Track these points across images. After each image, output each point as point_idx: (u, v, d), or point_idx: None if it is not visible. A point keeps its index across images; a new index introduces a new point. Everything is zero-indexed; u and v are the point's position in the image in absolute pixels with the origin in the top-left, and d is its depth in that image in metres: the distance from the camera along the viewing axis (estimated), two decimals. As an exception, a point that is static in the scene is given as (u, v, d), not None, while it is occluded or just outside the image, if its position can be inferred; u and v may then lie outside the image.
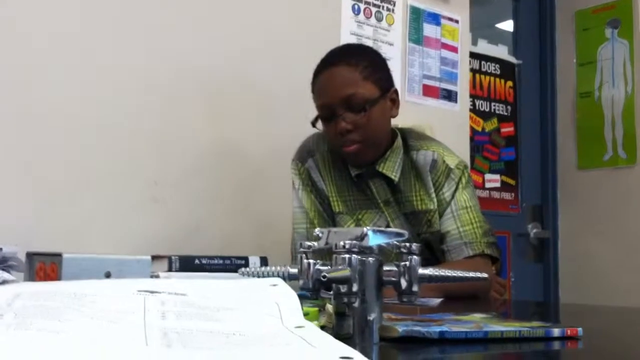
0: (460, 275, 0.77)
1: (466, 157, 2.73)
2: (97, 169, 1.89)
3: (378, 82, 1.62)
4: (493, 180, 3.31)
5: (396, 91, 1.68)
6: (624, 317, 1.36)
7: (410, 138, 1.72)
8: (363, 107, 1.58)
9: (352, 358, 0.48)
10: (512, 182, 3.42)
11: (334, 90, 1.59)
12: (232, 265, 1.39)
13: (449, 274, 0.77)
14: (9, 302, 0.54)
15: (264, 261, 1.42)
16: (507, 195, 3.40)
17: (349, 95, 1.57)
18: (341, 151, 1.64)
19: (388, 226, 1.64)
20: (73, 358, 0.41)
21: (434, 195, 1.65)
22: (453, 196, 1.64)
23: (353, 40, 2.44)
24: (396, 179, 1.65)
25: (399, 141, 1.69)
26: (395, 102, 1.67)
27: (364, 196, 1.69)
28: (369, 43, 2.46)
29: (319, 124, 1.66)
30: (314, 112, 1.65)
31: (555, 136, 3.60)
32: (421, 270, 0.75)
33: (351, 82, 1.58)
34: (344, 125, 1.57)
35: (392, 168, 1.66)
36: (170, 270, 1.31)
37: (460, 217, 1.62)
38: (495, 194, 3.34)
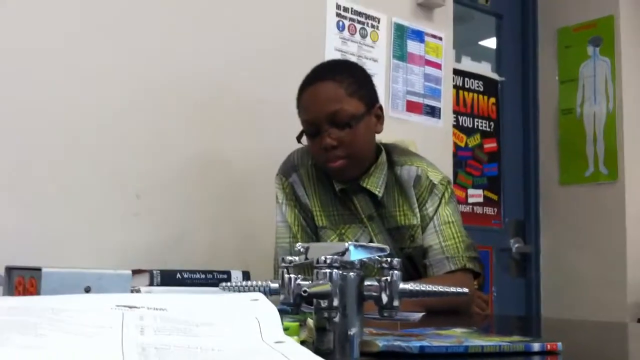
0: (441, 290, 0.77)
1: (449, 173, 2.74)
2: (79, 181, 1.87)
3: (363, 98, 1.62)
4: (476, 195, 3.33)
5: (381, 107, 1.68)
6: (604, 332, 1.37)
7: (394, 153, 1.72)
8: (348, 123, 1.58)
9: (330, 373, 0.48)
10: (494, 197, 3.44)
11: (319, 106, 1.59)
12: (214, 279, 1.38)
13: (430, 289, 0.77)
14: (-15, 316, 0.53)
15: (246, 276, 1.42)
16: (489, 211, 3.42)
17: (334, 111, 1.57)
18: (325, 167, 1.64)
19: (371, 241, 1.64)
20: (49, 373, 0.40)
21: (417, 210, 1.66)
22: (436, 211, 1.65)
23: (337, 56, 2.45)
24: (380, 195, 1.65)
25: (383, 157, 1.70)
26: (380, 118, 1.67)
27: (347, 211, 1.69)
28: (353, 59, 2.47)
29: (304, 139, 1.66)
30: (298, 126, 1.65)
31: (538, 152, 3.63)
32: (402, 285, 0.75)
33: (336, 98, 1.58)
34: (329, 142, 1.58)
35: (376, 183, 1.66)
36: (151, 284, 1.30)
37: (443, 232, 1.62)
38: (478, 209, 3.36)
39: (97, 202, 1.90)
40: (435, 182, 1.66)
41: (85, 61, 1.90)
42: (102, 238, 1.89)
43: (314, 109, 1.60)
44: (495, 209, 3.45)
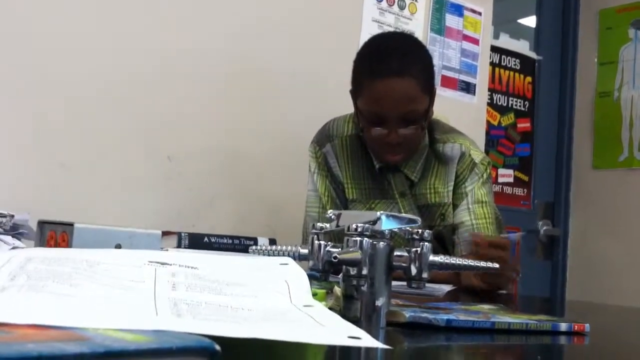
0: (471, 264, 0.77)
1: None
2: (112, 143, 1.89)
3: (430, 90, 1.59)
4: (506, 175, 3.29)
5: (435, 91, 1.64)
6: (632, 317, 1.36)
7: (436, 131, 1.70)
8: (418, 121, 1.55)
9: (359, 338, 0.48)
10: (525, 178, 3.40)
11: (394, 104, 1.51)
12: (241, 245, 1.39)
13: (459, 262, 0.76)
14: (21, 264, 0.54)
15: (272, 243, 1.43)
16: (519, 191, 3.38)
17: (409, 111, 1.52)
18: (383, 157, 1.62)
19: (400, 216, 1.64)
20: (84, 321, 0.41)
21: (451, 188, 1.65)
22: (472, 190, 1.64)
23: (374, 27, 2.42)
24: (416, 180, 1.65)
25: (425, 139, 1.67)
26: (433, 101, 1.63)
27: (380, 186, 1.68)
28: (389, 30, 2.44)
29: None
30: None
31: (572, 134, 3.57)
32: (432, 257, 0.75)
33: (413, 98, 1.52)
34: (397, 139, 1.54)
35: (414, 168, 1.65)
36: (179, 246, 1.32)
37: (475, 211, 1.62)
38: (508, 189, 3.33)
39: (130, 164, 1.92)
40: (477, 162, 1.66)
41: (122, 31, 1.91)
42: (133, 199, 1.91)
43: (386, 105, 1.52)
44: (525, 190, 3.41)
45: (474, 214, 1.62)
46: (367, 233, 0.72)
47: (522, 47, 3.41)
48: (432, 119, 1.75)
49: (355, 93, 1.60)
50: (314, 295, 0.69)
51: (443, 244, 1.66)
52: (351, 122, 1.71)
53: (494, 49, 3.14)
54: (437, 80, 2.64)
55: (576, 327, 0.80)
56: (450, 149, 1.67)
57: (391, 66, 1.52)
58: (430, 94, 1.58)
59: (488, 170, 1.67)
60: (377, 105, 1.54)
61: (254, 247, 0.79)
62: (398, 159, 1.61)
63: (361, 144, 1.68)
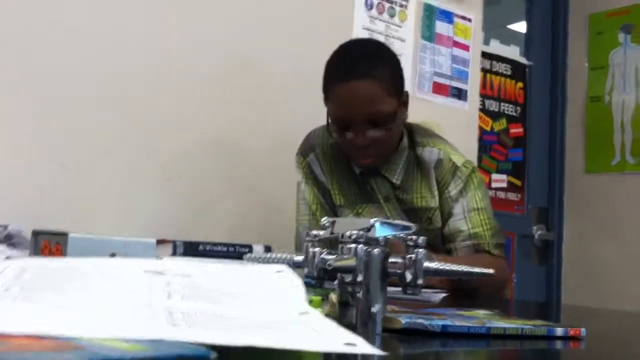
0: (466, 270, 0.77)
1: (473, 157, 2.72)
2: (107, 150, 1.89)
3: (398, 92, 1.59)
4: (499, 180, 3.30)
5: (407, 94, 1.65)
6: (628, 321, 1.36)
7: (417, 134, 1.71)
8: (385, 123, 1.55)
9: (355, 344, 0.48)
10: (518, 183, 3.41)
11: (358, 106, 1.53)
12: (235, 252, 1.39)
13: (454, 269, 0.76)
14: (16, 275, 0.54)
15: (268, 249, 1.42)
16: (513, 196, 3.39)
17: (374, 112, 1.53)
18: (355, 161, 1.64)
19: (387, 221, 1.64)
20: (79, 331, 0.41)
21: (436, 192, 1.65)
22: (461, 195, 1.63)
23: (365, 34, 2.43)
24: (398, 182, 1.65)
25: (404, 141, 1.68)
26: (406, 105, 1.64)
27: (364, 191, 1.69)
28: (380, 38, 2.45)
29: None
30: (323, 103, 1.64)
31: (564, 139, 3.59)
32: (427, 264, 0.75)
33: (377, 99, 1.53)
34: (364, 141, 1.55)
35: (394, 171, 1.66)
36: (174, 254, 1.32)
37: (472, 218, 1.62)
38: (501, 195, 3.33)
39: (124, 173, 1.91)
40: (459, 165, 1.65)
41: (119, 32, 1.91)
42: (127, 207, 1.90)
43: (351, 108, 1.54)
44: (519, 195, 3.42)
45: (470, 222, 1.61)
46: (362, 240, 0.72)
47: (513, 52, 3.43)
48: (414, 124, 1.76)
49: (325, 100, 1.62)
50: (310, 302, 0.69)
51: (431, 248, 1.66)
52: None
53: (485, 54, 3.16)
54: (428, 86, 2.65)
55: (572, 331, 0.80)
56: (429, 153, 1.67)
57: (354, 70, 1.54)
58: (398, 96, 1.58)
59: (477, 174, 1.66)
60: (342, 108, 1.56)
61: (248, 255, 0.79)
62: (369, 162, 1.61)
63: (341, 151, 1.69)
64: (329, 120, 1.63)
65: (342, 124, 1.57)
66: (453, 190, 1.64)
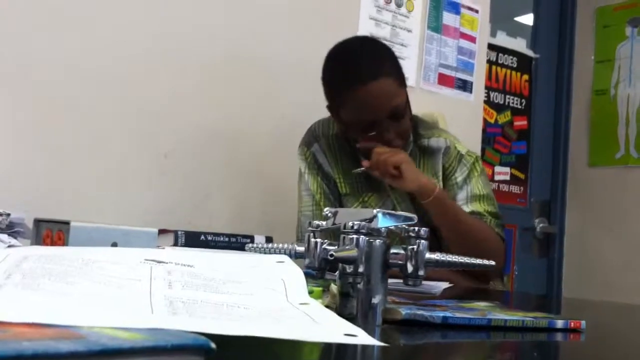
0: (467, 261, 0.77)
1: (477, 149, 2.71)
2: (107, 140, 1.89)
3: (404, 81, 1.63)
4: (503, 173, 3.30)
5: (406, 79, 1.68)
6: (628, 314, 1.36)
7: (420, 127, 1.73)
8: (404, 113, 1.59)
9: (356, 335, 0.48)
10: (521, 175, 3.41)
11: (380, 105, 1.54)
12: (237, 243, 1.39)
13: (456, 260, 0.76)
14: (17, 263, 0.54)
15: (269, 240, 1.43)
16: (515, 189, 3.39)
17: (394, 107, 1.56)
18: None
19: (394, 209, 1.65)
20: (79, 320, 0.41)
21: (441, 178, 1.67)
22: (466, 182, 1.66)
23: (371, 24, 2.42)
24: None
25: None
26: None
27: (370, 179, 1.69)
28: (387, 28, 2.44)
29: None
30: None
31: (568, 132, 3.58)
32: (428, 255, 0.75)
33: (394, 94, 1.56)
34: (392, 137, 1.58)
35: None
36: (175, 244, 1.32)
37: (474, 205, 1.63)
38: (504, 187, 3.33)
39: (125, 161, 1.91)
40: (463, 153, 1.69)
41: (114, 24, 1.90)
42: (129, 197, 1.90)
43: (373, 108, 1.55)
44: (522, 188, 3.42)
45: (473, 206, 1.64)
46: (364, 231, 0.72)
47: (519, 45, 3.41)
48: (417, 116, 1.76)
49: (335, 108, 1.63)
50: (310, 293, 0.69)
51: (435, 234, 1.66)
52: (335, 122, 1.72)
53: (491, 46, 3.15)
54: (434, 77, 2.64)
55: (572, 324, 0.80)
56: (436, 141, 1.70)
57: (365, 71, 1.55)
58: (405, 84, 1.63)
59: (480, 163, 1.70)
60: (364, 113, 1.56)
61: (250, 245, 0.79)
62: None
63: (346, 142, 1.71)
64: (343, 127, 1.65)
65: (366, 127, 1.58)
66: (459, 177, 1.67)
